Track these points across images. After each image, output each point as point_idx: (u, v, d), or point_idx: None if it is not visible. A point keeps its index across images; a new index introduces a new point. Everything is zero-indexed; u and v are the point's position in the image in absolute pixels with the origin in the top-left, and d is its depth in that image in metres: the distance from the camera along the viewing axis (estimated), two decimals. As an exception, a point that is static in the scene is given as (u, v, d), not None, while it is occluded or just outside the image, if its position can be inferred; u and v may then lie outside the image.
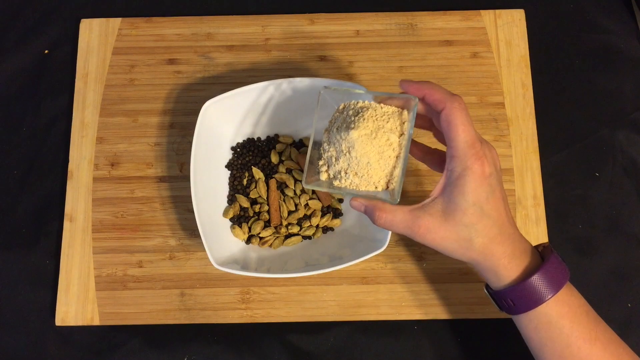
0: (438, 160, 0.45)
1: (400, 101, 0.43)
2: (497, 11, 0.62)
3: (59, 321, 0.55)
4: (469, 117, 0.40)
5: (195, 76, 0.61)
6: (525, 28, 0.62)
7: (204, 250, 0.50)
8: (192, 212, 0.50)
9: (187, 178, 0.53)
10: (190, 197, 0.51)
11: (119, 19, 0.62)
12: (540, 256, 0.43)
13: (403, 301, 0.55)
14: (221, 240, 0.53)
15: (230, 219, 0.55)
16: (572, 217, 0.58)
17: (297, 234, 0.55)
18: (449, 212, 0.40)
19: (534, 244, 0.54)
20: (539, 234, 0.56)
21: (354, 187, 0.43)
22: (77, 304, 0.55)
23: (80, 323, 0.55)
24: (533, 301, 0.41)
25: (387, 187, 0.43)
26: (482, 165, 0.39)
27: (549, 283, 0.41)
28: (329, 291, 0.55)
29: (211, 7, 0.64)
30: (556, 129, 0.60)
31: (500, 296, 0.42)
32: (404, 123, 0.43)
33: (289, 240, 0.55)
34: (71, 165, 0.58)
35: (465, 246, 0.40)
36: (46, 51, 0.63)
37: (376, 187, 0.43)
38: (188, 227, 0.57)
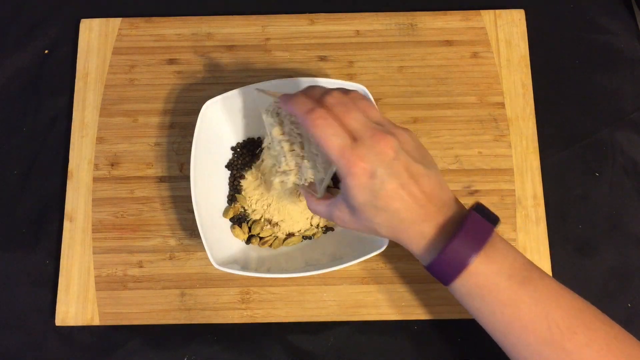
0: None
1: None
2: (497, 11, 0.62)
3: (59, 321, 0.55)
4: (330, 125, 0.40)
5: (195, 76, 0.61)
6: (525, 28, 0.62)
7: (204, 250, 0.50)
8: (192, 212, 0.50)
9: (187, 178, 0.53)
10: (190, 197, 0.51)
11: (119, 19, 0.62)
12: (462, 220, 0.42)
13: (403, 301, 0.55)
14: (221, 240, 0.53)
15: (231, 219, 0.55)
16: (572, 217, 0.58)
17: (297, 234, 0.55)
18: (350, 209, 0.42)
19: (534, 244, 0.54)
20: (538, 234, 0.56)
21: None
22: (77, 304, 0.55)
23: (80, 323, 0.55)
24: (451, 271, 0.40)
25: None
26: (358, 168, 0.39)
27: (466, 248, 0.40)
28: (329, 291, 0.55)
29: (211, 7, 0.64)
30: (556, 129, 0.60)
31: (429, 271, 0.42)
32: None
33: (289, 240, 0.55)
34: (71, 165, 0.58)
35: (377, 234, 0.43)
36: (46, 51, 0.63)
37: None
38: (188, 227, 0.57)
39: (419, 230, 0.41)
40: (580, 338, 0.39)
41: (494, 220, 0.42)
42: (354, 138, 0.40)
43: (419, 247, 0.42)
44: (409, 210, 0.41)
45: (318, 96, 0.42)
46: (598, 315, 0.41)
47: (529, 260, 0.42)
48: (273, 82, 0.53)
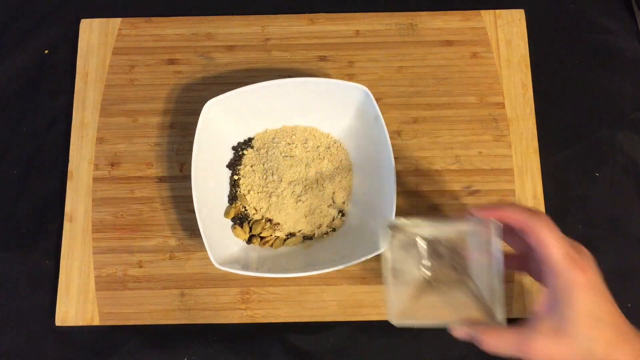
0: (535, 268, 0.43)
1: (476, 226, 0.42)
2: (497, 11, 0.62)
3: (59, 321, 0.55)
4: (557, 230, 0.40)
5: (195, 76, 0.61)
6: (525, 28, 0.62)
7: (204, 250, 0.50)
8: (192, 212, 0.50)
9: (187, 178, 0.53)
10: (190, 197, 0.51)
11: (119, 19, 0.62)
12: None
13: (403, 301, 0.55)
14: (222, 240, 0.53)
15: (232, 219, 0.55)
16: (572, 217, 0.58)
17: (298, 234, 0.55)
18: (562, 328, 0.38)
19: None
20: (539, 234, 0.56)
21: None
22: (77, 304, 0.55)
23: (80, 323, 0.55)
24: None
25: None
26: (585, 274, 0.38)
27: None
28: (329, 291, 0.55)
29: (211, 7, 0.64)
30: (556, 129, 0.60)
31: None
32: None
33: (289, 240, 0.55)
34: (71, 166, 0.58)
35: (587, 356, 0.39)
36: (46, 51, 0.63)
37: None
38: (188, 227, 0.57)
39: (635, 353, 0.38)
40: None
41: None
42: (573, 247, 0.39)
43: None
44: (623, 328, 0.38)
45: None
46: None
47: None
48: (274, 82, 0.53)
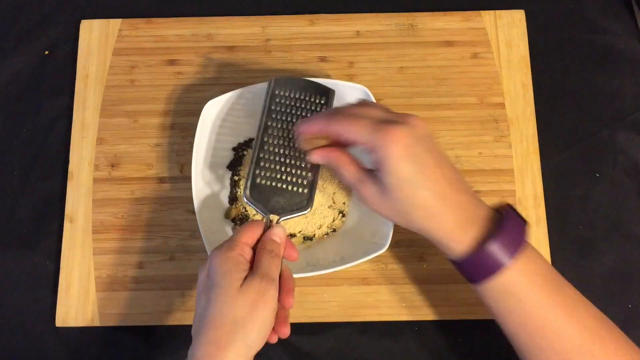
0: None
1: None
2: (498, 12, 0.62)
3: (59, 322, 0.55)
4: (355, 116, 0.40)
5: (195, 77, 0.61)
6: (526, 29, 0.62)
7: (204, 250, 0.50)
8: (193, 212, 0.50)
9: (187, 179, 0.53)
10: (190, 197, 0.51)
11: (119, 20, 0.62)
12: (498, 220, 0.41)
13: (403, 302, 0.55)
14: (222, 240, 0.53)
15: (232, 220, 0.55)
16: (572, 218, 0.58)
17: (298, 235, 0.55)
18: (383, 187, 0.40)
19: (534, 244, 0.54)
20: (539, 234, 0.56)
21: None
22: (77, 305, 0.55)
23: (80, 324, 0.55)
24: (485, 272, 0.39)
25: None
26: (396, 142, 0.38)
27: (503, 251, 0.39)
28: (329, 292, 0.55)
29: (211, 8, 0.64)
30: (556, 130, 0.60)
31: (455, 266, 0.41)
32: None
33: (289, 241, 0.55)
34: (71, 166, 0.58)
35: (406, 219, 0.41)
36: (46, 52, 0.63)
37: None
38: (188, 227, 0.57)
39: (452, 220, 0.39)
40: (609, 346, 0.39)
41: (525, 222, 0.41)
42: (388, 121, 0.39)
43: (452, 240, 0.40)
44: (444, 195, 0.39)
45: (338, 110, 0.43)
46: (615, 326, 0.41)
47: (552, 266, 0.42)
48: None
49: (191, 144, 0.52)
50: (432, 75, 0.60)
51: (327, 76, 0.60)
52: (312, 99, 0.49)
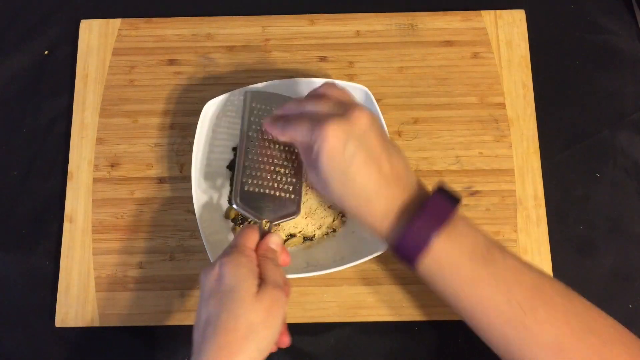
0: None
1: None
2: (498, 11, 0.62)
3: (59, 322, 0.55)
4: (299, 118, 0.43)
5: (195, 77, 0.61)
6: (526, 28, 0.62)
7: (204, 251, 0.50)
8: (193, 212, 0.50)
9: (187, 179, 0.53)
10: (190, 197, 0.51)
11: (118, 20, 0.62)
12: (425, 201, 0.42)
13: (404, 302, 0.55)
14: (222, 241, 0.53)
15: (232, 220, 0.55)
16: (573, 218, 0.58)
17: (298, 235, 0.55)
18: (319, 176, 0.42)
19: (534, 244, 0.54)
20: (539, 234, 0.56)
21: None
22: (77, 305, 0.55)
23: (80, 324, 0.55)
24: (415, 250, 0.40)
25: None
26: (330, 135, 0.40)
27: (428, 227, 0.40)
28: (329, 292, 0.55)
29: (211, 8, 0.64)
30: (557, 130, 0.60)
31: (393, 253, 0.42)
32: None
33: (290, 241, 0.55)
34: (71, 166, 0.58)
35: (342, 205, 0.43)
36: (46, 52, 0.63)
37: None
38: (188, 227, 0.57)
39: (384, 208, 0.41)
40: (541, 314, 0.39)
41: (455, 200, 0.42)
42: (325, 117, 0.41)
43: (382, 226, 0.42)
44: (376, 186, 0.41)
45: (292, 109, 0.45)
46: (560, 291, 0.41)
47: (492, 240, 0.42)
48: (274, 82, 0.53)
49: (191, 143, 0.52)
50: (432, 75, 0.60)
51: (327, 76, 0.60)
52: None
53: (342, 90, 0.45)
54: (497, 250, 0.41)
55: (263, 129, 0.49)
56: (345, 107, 0.42)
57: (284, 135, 0.45)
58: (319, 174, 0.41)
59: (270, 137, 0.49)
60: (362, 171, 0.40)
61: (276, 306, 0.40)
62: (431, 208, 0.40)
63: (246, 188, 0.48)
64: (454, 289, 0.40)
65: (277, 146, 0.50)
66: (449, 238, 0.40)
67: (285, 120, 0.45)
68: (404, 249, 0.41)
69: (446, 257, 0.40)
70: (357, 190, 0.41)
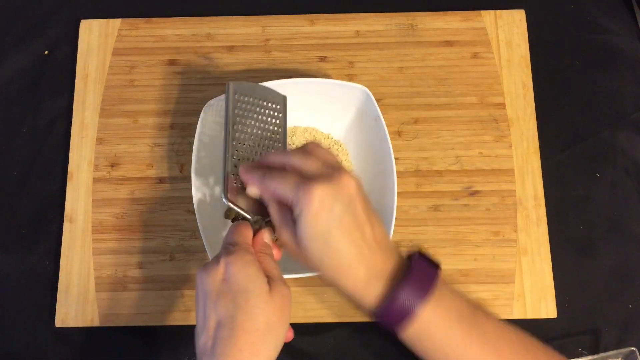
0: None
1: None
2: (498, 11, 0.62)
3: (59, 322, 0.55)
4: (283, 174, 0.41)
5: (195, 77, 0.61)
6: (526, 28, 0.62)
7: (204, 251, 0.50)
8: (193, 212, 0.50)
9: (187, 179, 0.53)
10: (190, 197, 0.51)
11: (118, 20, 0.62)
12: (407, 269, 0.41)
13: (404, 302, 0.55)
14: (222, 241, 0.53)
15: (232, 220, 0.55)
16: (573, 218, 0.58)
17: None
18: (298, 239, 0.40)
19: (534, 244, 0.54)
20: (539, 234, 0.56)
21: None
22: (76, 305, 0.55)
23: (80, 324, 0.55)
24: (399, 320, 0.40)
25: None
26: (317, 197, 0.38)
27: (412, 297, 0.39)
28: (329, 292, 0.55)
29: (211, 8, 0.64)
30: (557, 130, 0.60)
31: (375, 320, 0.42)
32: None
33: (289, 241, 0.54)
34: (71, 166, 0.58)
35: (317, 269, 0.41)
36: (46, 52, 0.63)
37: None
38: (188, 228, 0.57)
39: (365, 275, 0.40)
40: None
41: (436, 265, 0.42)
42: (312, 177, 0.40)
43: (364, 292, 0.40)
44: (358, 251, 0.40)
45: (275, 161, 0.43)
46: (541, 347, 0.42)
47: (473, 301, 0.42)
48: (274, 82, 0.53)
49: (191, 143, 0.52)
50: (432, 75, 0.60)
51: (327, 76, 0.60)
52: (269, 104, 0.49)
53: (328, 151, 0.43)
54: (480, 312, 0.42)
55: (255, 125, 0.48)
56: (332, 169, 0.41)
57: (261, 186, 0.43)
58: (299, 235, 0.40)
59: (254, 131, 0.48)
60: (345, 237, 0.39)
61: (287, 302, 0.40)
62: (416, 276, 0.40)
63: (235, 183, 0.47)
64: (444, 352, 0.41)
65: (264, 139, 0.48)
66: (437, 304, 0.40)
67: (266, 171, 0.42)
68: (389, 318, 0.40)
69: (436, 323, 0.40)
70: (338, 254, 0.40)
